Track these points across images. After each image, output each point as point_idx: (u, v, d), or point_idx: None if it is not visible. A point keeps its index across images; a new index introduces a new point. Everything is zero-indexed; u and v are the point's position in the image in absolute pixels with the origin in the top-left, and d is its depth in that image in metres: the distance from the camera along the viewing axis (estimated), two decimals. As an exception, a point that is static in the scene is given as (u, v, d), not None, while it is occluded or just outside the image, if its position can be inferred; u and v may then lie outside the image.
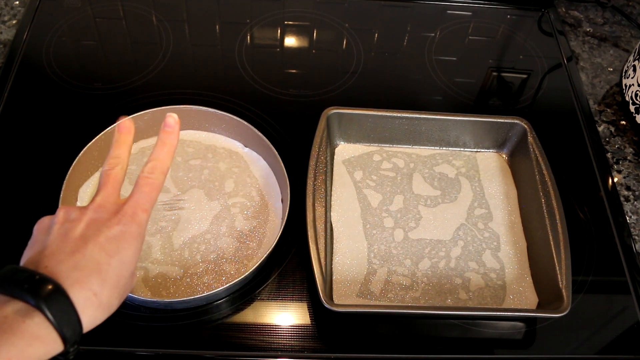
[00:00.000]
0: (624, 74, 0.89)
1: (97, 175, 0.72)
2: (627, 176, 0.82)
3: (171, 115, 0.51)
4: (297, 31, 0.95)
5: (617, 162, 0.84)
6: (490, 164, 0.79)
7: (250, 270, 0.62)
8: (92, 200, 0.48)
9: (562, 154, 0.82)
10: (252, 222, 0.70)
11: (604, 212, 0.77)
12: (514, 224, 0.73)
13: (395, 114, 0.76)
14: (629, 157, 0.85)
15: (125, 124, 0.52)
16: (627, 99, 0.87)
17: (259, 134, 0.72)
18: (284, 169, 0.69)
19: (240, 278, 0.61)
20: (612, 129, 0.88)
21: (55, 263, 0.43)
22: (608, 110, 0.90)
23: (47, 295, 0.40)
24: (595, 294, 0.70)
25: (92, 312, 0.42)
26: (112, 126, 0.71)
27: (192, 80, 0.86)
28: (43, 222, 0.48)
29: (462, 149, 0.80)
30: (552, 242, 0.67)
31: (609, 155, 0.84)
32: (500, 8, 1.02)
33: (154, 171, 0.49)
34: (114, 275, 0.44)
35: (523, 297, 0.67)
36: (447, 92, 0.89)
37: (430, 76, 0.91)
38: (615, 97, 0.92)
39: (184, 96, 0.82)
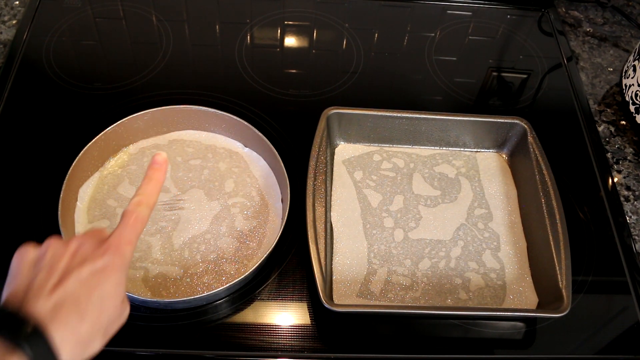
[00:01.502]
0: (624, 74, 0.89)
1: (97, 175, 0.72)
2: (627, 176, 0.82)
3: (160, 154, 0.52)
4: (297, 31, 0.95)
5: (617, 162, 0.84)
6: (490, 164, 0.79)
7: (250, 270, 0.62)
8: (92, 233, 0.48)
9: (562, 154, 0.82)
10: (252, 222, 0.70)
11: (604, 212, 0.77)
12: (514, 224, 0.73)
13: (395, 114, 0.76)
14: (629, 157, 0.85)
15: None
16: (627, 99, 0.87)
17: (259, 134, 0.72)
18: (284, 169, 0.69)
19: (240, 278, 0.61)
20: (612, 129, 0.88)
21: (37, 300, 0.43)
22: (608, 110, 0.90)
23: (28, 335, 0.40)
24: (595, 294, 0.70)
25: (70, 349, 0.42)
26: (112, 126, 0.71)
27: (192, 80, 0.86)
28: (27, 255, 0.47)
29: (462, 149, 0.80)
30: (552, 242, 0.67)
31: (609, 155, 0.84)
32: (500, 8, 1.02)
33: (140, 205, 0.49)
34: (94, 310, 0.44)
35: (523, 297, 0.67)
36: (447, 92, 0.89)
37: (430, 76, 0.91)
38: (615, 97, 0.92)
39: (184, 96, 0.82)
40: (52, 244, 0.47)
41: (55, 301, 0.43)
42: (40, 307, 0.42)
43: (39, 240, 0.67)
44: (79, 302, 0.43)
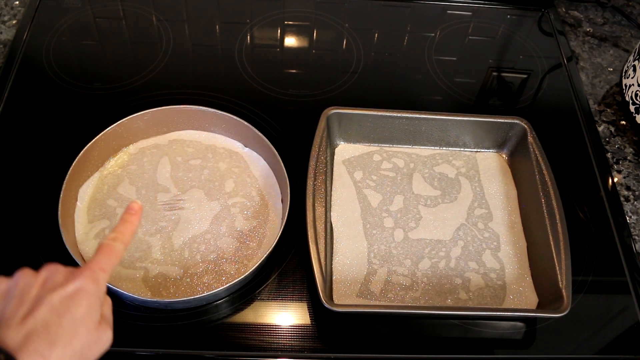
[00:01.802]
0: (624, 74, 0.89)
1: (97, 175, 0.72)
2: (627, 176, 0.82)
3: (135, 202, 0.55)
4: (297, 31, 0.95)
5: (617, 162, 0.84)
6: (490, 164, 0.79)
7: (250, 270, 0.62)
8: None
9: (562, 154, 0.82)
10: (252, 222, 0.70)
11: (604, 212, 0.77)
12: (514, 224, 0.73)
13: (395, 114, 0.76)
14: (629, 157, 0.85)
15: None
16: (627, 99, 0.87)
17: (259, 134, 0.72)
18: (284, 169, 0.69)
19: (240, 278, 0.61)
20: (612, 129, 0.88)
21: (7, 331, 0.43)
22: (608, 110, 0.90)
23: None
24: (595, 294, 0.70)
25: None
26: (112, 126, 0.71)
27: (192, 80, 0.86)
28: (0, 286, 0.47)
29: (462, 149, 0.80)
30: (552, 242, 0.67)
31: (609, 155, 0.84)
32: (500, 8, 1.02)
33: (115, 240, 0.51)
34: (65, 336, 0.44)
35: (523, 297, 0.67)
36: (447, 92, 0.89)
37: (430, 76, 0.91)
38: (615, 97, 0.92)
39: (184, 96, 0.82)
40: (23, 274, 0.47)
41: (25, 330, 0.43)
42: (11, 338, 0.42)
43: (39, 240, 0.68)
44: (49, 329, 0.43)
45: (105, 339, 0.47)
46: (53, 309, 0.44)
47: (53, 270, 0.47)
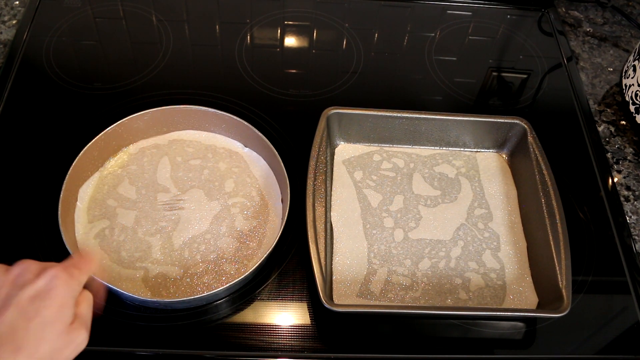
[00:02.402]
0: (624, 74, 0.89)
1: (97, 175, 0.72)
2: (627, 176, 0.82)
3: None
4: (297, 31, 0.95)
5: (617, 162, 0.84)
6: (490, 164, 0.79)
7: (250, 270, 0.62)
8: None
9: (562, 154, 0.82)
10: (252, 222, 0.70)
11: (604, 212, 0.77)
12: (514, 224, 0.73)
13: (395, 114, 0.76)
14: (629, 157, 0.85)
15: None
16: (627, 99, 0.87)
17: (259, 134, 0.72)
18: (284, 169, 0.69)
19: (240, 278, 0.61)
20: (612, 129, 0.88)
21: None
22: (608, 110, 0.90)
23: None
24: (595, 294, 0.70)
25: None
26: (112, 126, 0.71)
27: (192, 80, 0.86)
28: None
29: (462, 149, 0.80)
30: (552, 242, 0.67)
31: (609, 155, 0.84)
32: (500, 8, 1.02)
33: (92, 256, 0.51)
34: (31, 341, 0.42)
35: (523, 297, 0.67)
36: (447, 92, 0.89)
37: (430, 76, 0.91)
38: (615, 97, 0.92)
39: (184, 96, 0.82)
40: None
41: None
42: None
43: (39, 241, 0.68)
44: (16, 333, 0.42)
45: (78, 341, 0.46)
46: (22, 311, 0.43)
47: (24, 268, 0.46)
